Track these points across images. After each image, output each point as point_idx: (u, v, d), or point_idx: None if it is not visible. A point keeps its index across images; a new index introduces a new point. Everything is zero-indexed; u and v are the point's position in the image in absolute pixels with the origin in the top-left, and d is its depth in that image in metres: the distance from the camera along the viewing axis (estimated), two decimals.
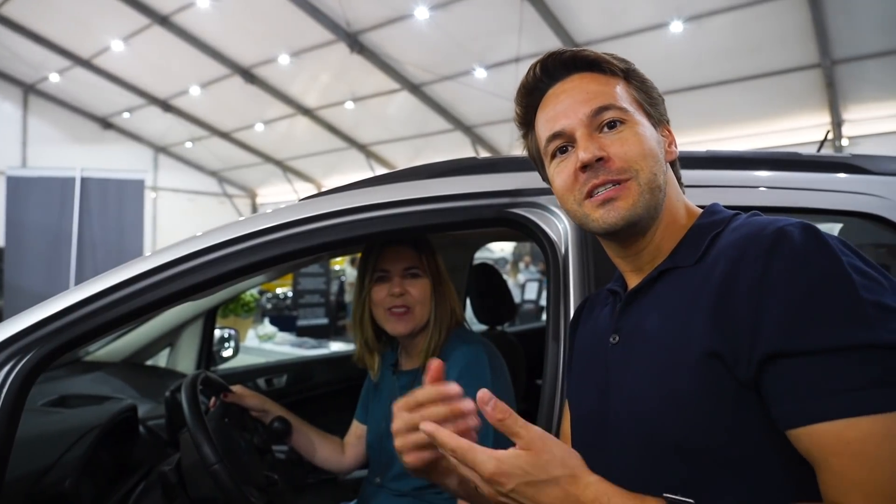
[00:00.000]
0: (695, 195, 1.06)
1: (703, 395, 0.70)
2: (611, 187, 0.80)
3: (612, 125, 0.82)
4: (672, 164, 0.89)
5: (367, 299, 1.50)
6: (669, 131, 0.89)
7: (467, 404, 0.74)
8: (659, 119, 0.87)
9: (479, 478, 0.67)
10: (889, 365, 0.60)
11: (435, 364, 0.77)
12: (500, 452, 0.66)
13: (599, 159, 0.80)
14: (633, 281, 0.87)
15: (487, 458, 0.66)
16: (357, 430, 1.68)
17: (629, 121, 0.82)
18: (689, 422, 0.70)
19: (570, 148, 0.84)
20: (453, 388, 0.75)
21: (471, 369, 1.37)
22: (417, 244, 1.49)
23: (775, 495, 0.68)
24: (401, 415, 0.77)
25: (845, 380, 0.61)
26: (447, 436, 0.69)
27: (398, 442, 0.77)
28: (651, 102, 0.87)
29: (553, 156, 0.87)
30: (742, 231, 0.73)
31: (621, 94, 0.84)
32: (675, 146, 0.89)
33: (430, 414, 0.74)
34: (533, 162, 0.96)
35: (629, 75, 0.87)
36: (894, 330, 0.61)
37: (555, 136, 0.85)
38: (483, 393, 0.68)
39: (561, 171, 0.85)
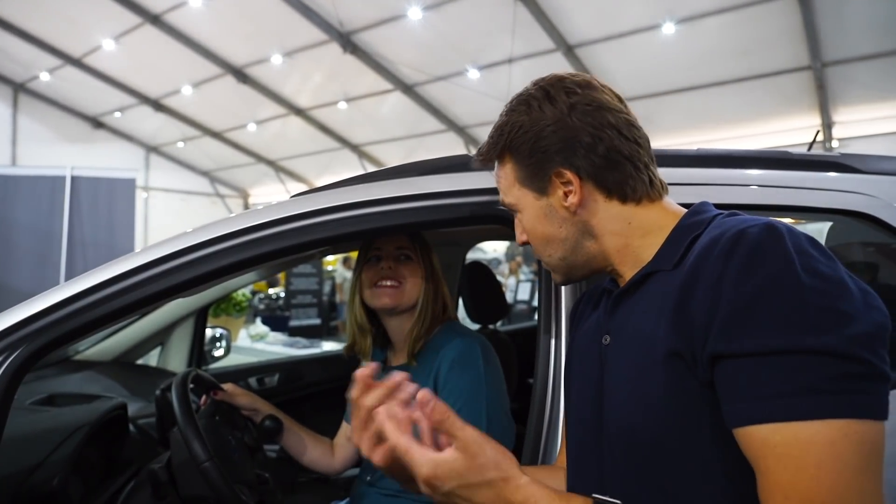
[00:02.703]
0: (686, 193, 1.07)
1: (671, 395, 0.70)
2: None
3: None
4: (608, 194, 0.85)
5: (359, 282, 1.52)
6: (567, 172, 0.83)
7: (410, 389, 0.72)
8: (546, 177, 0.85)
9: (418, 478, 0.67)
10: (824, 372, 0.59)
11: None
12: (437, 456, 0.66)
13: (525, 242, 0.94)
14: (621, 282, 0.88)
15: (425, 460, 0.66)
16: (347, 430, 1.67)
17: (518, 211, 0.92)
18: (662, 423, 0.71)
19: None
20: (397, 377, 0.73)
21: (463, 359, 1.38)
22: (412, 235, 1.52)
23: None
24: (357, 412, 0.74)
25: (776, 384, 0.61)
26: (390, 430, 0.68)
27: (356, 438, 0.73)
28: (530, 168, 0.86)
29: None
30: (713, 233, 0.73)
31: (507, 178, 0.90)
32: (575, 192, 0.83)
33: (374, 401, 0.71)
34: None
35: (510, 149, 0.87)
36: (840, 336, 0.60)
37: None
38: (423, 393, 0.67)
39: None
